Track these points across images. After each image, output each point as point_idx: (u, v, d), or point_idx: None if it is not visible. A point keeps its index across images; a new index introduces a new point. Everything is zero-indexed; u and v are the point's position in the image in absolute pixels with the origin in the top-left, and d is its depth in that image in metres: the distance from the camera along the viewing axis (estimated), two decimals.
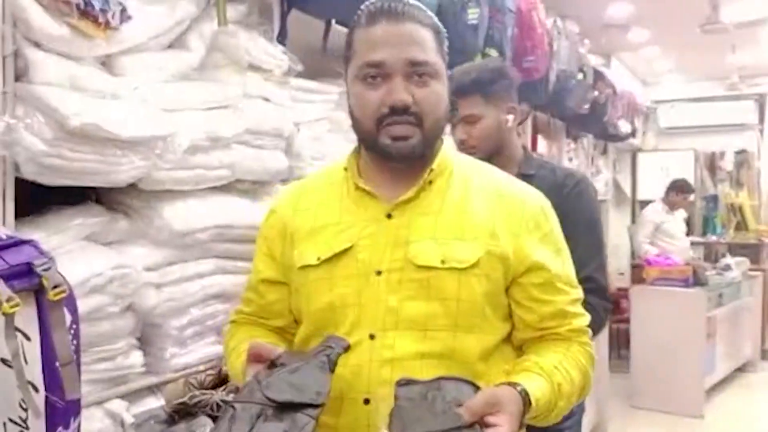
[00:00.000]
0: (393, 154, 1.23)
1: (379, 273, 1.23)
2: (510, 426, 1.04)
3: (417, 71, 1.20)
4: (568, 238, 1.95)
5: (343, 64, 1.30)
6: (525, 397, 1.11)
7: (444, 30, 1.28)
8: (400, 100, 1.19)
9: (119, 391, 1.90)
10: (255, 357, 1.16)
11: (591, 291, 1.68)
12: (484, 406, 1.05)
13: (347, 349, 1.14)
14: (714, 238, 7.96)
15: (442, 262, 1.20)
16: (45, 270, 1.29)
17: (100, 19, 1.65)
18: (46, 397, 1.31)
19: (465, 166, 1.34)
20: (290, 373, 1.08)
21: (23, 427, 1.27)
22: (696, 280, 5.49)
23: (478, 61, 3.00)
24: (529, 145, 5.05)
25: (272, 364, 1.12)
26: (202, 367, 2.07)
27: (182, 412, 1.88)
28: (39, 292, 1.30)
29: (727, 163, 8.75)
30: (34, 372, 1.29)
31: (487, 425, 1.03)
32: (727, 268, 6.28)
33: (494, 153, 2.05)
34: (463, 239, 1.22)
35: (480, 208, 1.25)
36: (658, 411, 5.17)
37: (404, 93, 1.19)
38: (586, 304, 1.56)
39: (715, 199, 8.47)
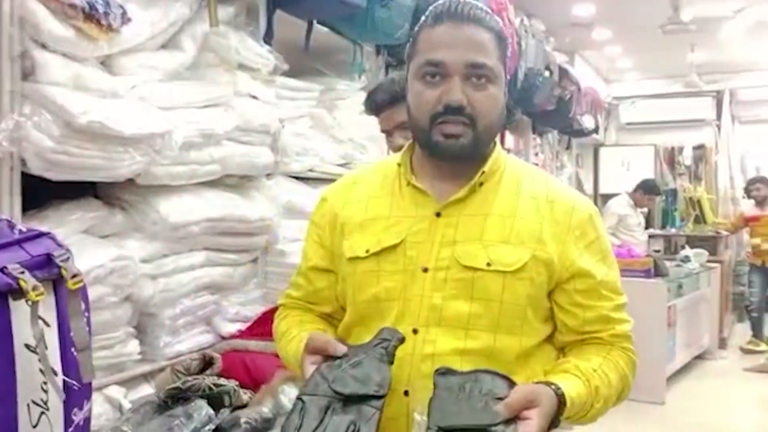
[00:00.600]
0: (443, 151, 1.24)
1: (425, 270, 1.24)
2: (540, 421, 1.06)
3: (475, 73, 1.21)
4: None
5: (406, 60, 1.32)
6: (560, 396, 1.13)
7: (507, 37, 1.28)
8: (455, 99, 1.20)
9: (117, 377, 1.99)
10: (315, 350, 1.20)
11: None
12: (522, 403, 1.07)
13: (402, 341, 1.17)
14: (673, 230, 8.20)
15: (488, 264, 1.22)
16: (64, 261, 1.37)
17: (103, 22, 1.73)
18: (64, 380, 1.39)
19: (517, 170, 1.33)
20: (353, 366, 1.13)
21: (44, 408, 1.34)
22: (657, 271, 5.68)
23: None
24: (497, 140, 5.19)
25: (330, 357, 1.17)
26: (194, 355, 2.16)
27: (176, 397, 1.96)
28: (57, 282, 1.38)
29: (686, 158, 9.03)
30: (54, 357, 1.37)
31: (519, 418, 1.06)
32: (687, 259, 6.51)
33: None
34: (510, 243, 1.23)
35: (528, 213, 1.26)
36: None
37: (460, 93, 1.20)
38: None
39: (674, 193, 8.74)
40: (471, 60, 1.20)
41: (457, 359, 1.19)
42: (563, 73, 5.68)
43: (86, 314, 1.48)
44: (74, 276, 1.38)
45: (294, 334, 1.32)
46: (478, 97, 1.21)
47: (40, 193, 1.88)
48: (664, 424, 4.98)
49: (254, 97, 2.39)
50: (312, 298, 1.43)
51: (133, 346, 2.02)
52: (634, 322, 4.48)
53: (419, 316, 1.22)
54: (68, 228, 1.87)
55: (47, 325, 1.36)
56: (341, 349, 1.19)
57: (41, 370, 1.32)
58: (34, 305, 1.28)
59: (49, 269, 1.36)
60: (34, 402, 1.32)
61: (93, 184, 2.01)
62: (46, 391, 1.34)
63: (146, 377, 2.13)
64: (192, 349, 2.21)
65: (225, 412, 1.90)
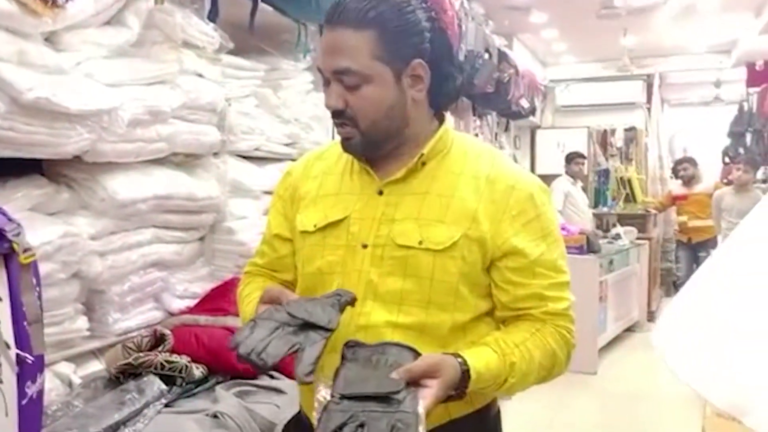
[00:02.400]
0: (345, 151, 1.33)
1: (365, 246, 1.29)
2: (438, 390, 1.11)
3: (344, 78, 1.24)
4: None
5: None
6: (465, 368, 1.17)
7: (406, 22, 1.24)
8: (329, 105, 1.27)
9: (66, 354, 1.99)
10: (269, 299, 1.26)
11: None
12: (423, 370, 1.12)
13: (354, 300, 1.23)
14: (605, 209, 8.47)
15: (420, 242, 1.26)
16: (15, 235, 1.38)
17: None
18: (17, 354, 1.40)
19: (465, 149, 1.35)
20: (306, 301, 1.21)
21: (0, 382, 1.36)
22: (589, 247, 5.88)
23: None
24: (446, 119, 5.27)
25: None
26: (142, 333, 2.18)
27: (127, 372, 1.98)
28: (8, 257, 1.39)
29: (618, 140, 9.31)
30: (6, 331, 1.38)
31: (420, 386, 1.11)
32: (617, 236, 6.76)
33: None
34: (444, 222, 1.26)
35: (467, 193, 1.28)
36: None
37: (334, 99, 1.25)
38: None
39: (606, 173, 9.00)
40: (334, 66, 1.24)
41: (389, 332, 1.25)
42: (502, 56, 5.80)
43: (37, 289, 1.50)
44: (26, 250, 1.39)
45: (255, 296, 1.36)
46: (353, 100, 1.25)
47: None
48: (597, 393, 5.19)
49: (200, 75, 2.40)
50: (275, 265, 1.48)
51: (82, 322, 2.02)
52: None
53: (357, 290, 1.27)
54: (14, 205, 1.85)
55: None
56: (294, 298, 1.25)
57: None
58: None
59: (1, 244, 1.37)
60: None
61: (38, 161, 2.00)
62: None
63: (95, 354, 2.14)
64: (141, 325, 2.22)
65: (176, 389, 1.94)
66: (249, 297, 1.42)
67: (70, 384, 1.96)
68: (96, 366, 2.10)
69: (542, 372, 1.29)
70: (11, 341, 1.39)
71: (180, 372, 1.94)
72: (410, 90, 1.27)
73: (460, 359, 1.18)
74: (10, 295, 1.40)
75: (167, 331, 2.03)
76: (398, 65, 1.24)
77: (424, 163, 1.31)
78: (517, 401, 4.76)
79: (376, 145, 1.30)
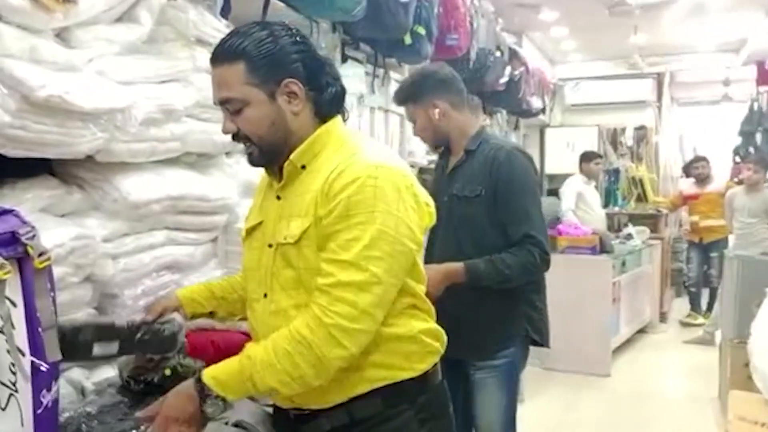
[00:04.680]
0: (249, 164, 1.55)
1: (270, 246, 1.51)
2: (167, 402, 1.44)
3: (228, 107, 1.47)
4: (504, 200, 2.30)
5: None
6: (197, 375, 1.43)
7: (269, 51, 1.44)
8: (224, 131, 1.50)
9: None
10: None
11: (532, 244, 2.31)
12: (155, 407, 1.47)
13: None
14: (616, 209, 8.40)
15: (285, 238, 1.47)
16: (29, 239, 1.33)
17: None
18: (32, 361, 1.35)
19: (336, 148, 1.50)
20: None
21: (13, 390, 1.31)
22: (602, 248, 5.82)
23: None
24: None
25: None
26: None
27: (139, 378, 1.92)
28: (22, 260, 1.34)
29: (628, 139, 9.23)
30: (21, 337, 1.33)
31: None
32: (630, 237, 6.69)
33: (442, 137, 2.55)
34: (300, 216, 1.45)
35: (315, 188, 1.45)
36: (569, 371, 5.45)
37: (227, 125, 1.48)
38: (529, 254, 2.30)
39: (616, 172, 8.93)
40: (219, 97, 1.47)
41: (293, 312, 1.45)
42: (513, 53, 5.74)
43: (51, 293, 1.44)
44: (41, 254, 1.34)
45: (191, 288, 1.86)
46: (240, 123, 1.47)
47: None
48: (610, 395, 5.14)
49: None
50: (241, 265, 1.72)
51: None
52: (581, 296, 4.64)
53: (266, 282, 1.51)
54: (24, 207, 1.78)
55: (13, 304, 1.32)
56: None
57: (9, 351, 1.28)
58: (1, 284, 1.24)
59: (15, 247, 1.33)
60: (2, 384, 1.29)
61: (48, 161, 1.95)
62: (14, 373, 1.31)
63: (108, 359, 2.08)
64: None
65: None
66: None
67: (82, 391, 1.91)
68: (109, 372, 2.04)
69: (293, 358, 1.37)
70: (26, 348, 1.34)
71: (193, 375, 1.88)
72: (287, 105, 1.47)
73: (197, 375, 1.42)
74: (25, 301, 1.35)
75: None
76: (270, 87, 1.45)
77: (304, 167, 1.50)
78: (529, 402, 4.74)
79: (273, 156, 1.50)
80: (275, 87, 1.45)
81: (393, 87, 3.75)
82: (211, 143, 2.34)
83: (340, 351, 1.37)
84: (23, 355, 1.33)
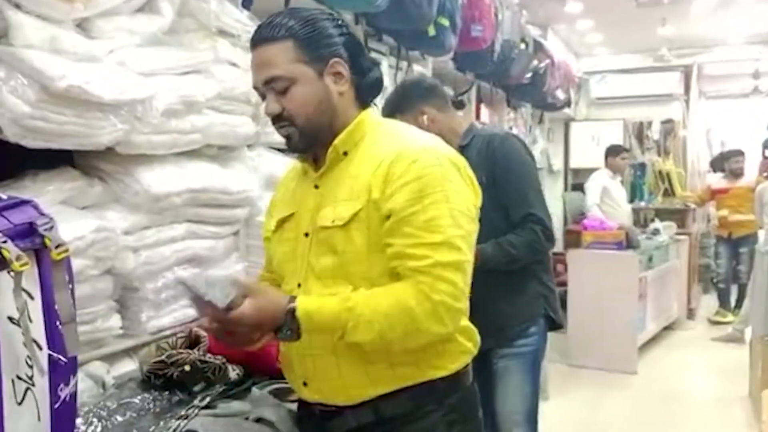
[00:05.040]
0: (287, 149, 1.53)
1: (306, 235, 1.48)
2: (252, 313, 1.31)
3: (273, 86, 1.42)
4: (503, 184, 2.32)
5: None
6: (292, 306, 1.34)
7: (315, 30, 1.43)
8: (268, 112, 1.45)
9: (99, 353, 1.93)
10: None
11: (534, 222, 2.35)
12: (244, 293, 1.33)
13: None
14: (643, 203, 8.28)
15: (332, 221, 1.42)
16: (47, 230, 1.31)
17: None
18: (49, 355, 1.33)
19: (381, 134, 1.50)
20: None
21: (29, 384, 1.28)
22: (628, 243, 5.73)
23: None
24: (473, 115, 5.17)
25: None
26: (175, 330, 2.11)
27: (159, 373, 1.90)
28: (39, 252, 1.32)
29: (654, 132, 9.09)
30: (38, 330, 1.31)
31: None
32: (656, 232, 6.57)
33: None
34: (350, 199, 1.42)
35: (368, 168, 1.42)
36: (594, 369, 5.39)
37: (271, 106, 1.43)
38: (532, 232, 2.34)
39: (642, 166, 8.80)
40: (264, 77, 1.43)
41: None
42: (538, 45, 5.65)
43: (70, 286, 1.42)
44: (58, 246, 1.31)
45: None
46: (286, 102, 1.43)
47: (14, 162, 1.80)
48: (636, 393, 5.07)
49: (234, 65, 2.32)
50: (269, 266, 1.68)
51: (115, 320, 1.96)
52: (607, 293, 4.60)
53: (301, 272, 1.48)
54: (45, 199, 1.79)
55: (31, 297, 1.30)
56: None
57: (25, 345, 1.26)
58: (18, 276, 1.22)
59: (32, 239, 1.30)
60: (18, 377, 1.27)
61: (69, 153, 1.94)
62: (31, 366, 1.28)
63: (129, 353, 2.07)
64: (175, 323, 2.15)
65: (215, 389, 1.86)
66: None
67: (103, 385, 1.89)
68: (130, 366, 2.03)
69: (392, 322, 1.34)
70: (43, 342, 1.32)
71: (214, 373, 1.86)
72: (334, 86, 1.45)
73: (291, 299, 1.35)
74: (42, 294, 1.32)
75: (203, 333, 1.94)
76: (317, 65, 1.43)
77: (346, 153, 1.47)
78: (554, 400, 4.69)
79: (313, 139, 1.46)
80: (322, 66, 1.43)
81: None
82: (232, 135, 2.32)
83: (439, 328, 1.36)
84: (40, 348, 1.30)
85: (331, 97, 1.45)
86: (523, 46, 5.08)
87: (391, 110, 2.51)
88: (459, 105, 4.82)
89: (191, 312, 2.24)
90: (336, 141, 1.46)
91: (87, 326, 1.88)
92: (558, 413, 4.34)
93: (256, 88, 1.47)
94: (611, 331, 5.47)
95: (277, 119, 1.45)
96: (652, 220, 7.21)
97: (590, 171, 6.92)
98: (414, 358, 1.44)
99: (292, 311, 1.33)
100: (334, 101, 1.46)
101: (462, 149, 2.46)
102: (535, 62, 5.57)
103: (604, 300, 5.48)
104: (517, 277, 2.43)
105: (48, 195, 1.80)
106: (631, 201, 8.00)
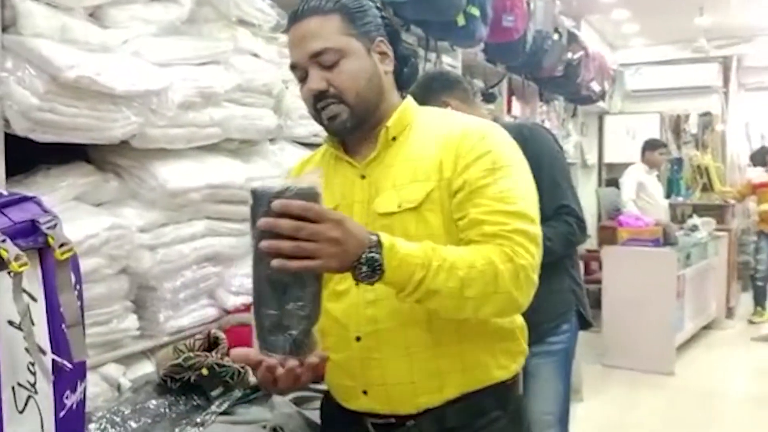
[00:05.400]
0: (332, 132, 1.40)
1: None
2: (339, 216, 1.11)
3: (320, 60, 1.32)
4: (535, 175, 2.20)
5: None
6: (374, 235, 1.15)
7: (361, 6, 1.36)
8: (313, 88, 1.33)
9: (114, 355, 1.86)
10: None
11: (567, 214, 2.28)
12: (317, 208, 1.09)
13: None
14: (680, 199, 8.08)
15: (399, 206, 1.32)
16: (50, 228, 1.23)
17: None
18: (53, 360, 1.25)
19: (429, 118, 1.43)
20: None
21: (32, 392, 1.21)
22: (666, 240, 5.56)
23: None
24: (504, 108, 5.04)
25: None
26: (195, 331, 2.04)
27: (175, 377, 1.83)
28: (43, 252, 1.25)
29: (692, 126, 8.86)
30: (41, 334, 1.23)
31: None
32: (695, 228, 6.38)
33: None
34: (417, 181, 1.33)
35: (431, 151, 1.35)
36: (630, 369, 5.24)
37: (317, 82, 1.33)
38: (566, 224, 2.27)
39: (679, 161, 8.59)
40: (310, 50, 1.32)
41: (396, 300, 1.24)
42: (572, 36, 5.51)
43: (77, 287, 1.34)
44: (62, 245, 1.24)
45: None
46: (333, 77, 1.33)
47: (26, 157, 1.73)
48: (674, 394, 4.93)
49: (255, 55, 2.24)
50: None
51: (131, 321, 1.89)
52: (643, 291, 4.46)
53: None
54: (58, 195, 1.73)
55: (33, 299, 1.22)
56: None
57: (27, 350, 1.19)
58: (17, 277, 1.14)
59: (35, 237, 1.22)
60: (20, 384, 1.19)
61: (84, 149, 1.87)
62: (33, 373, 1.21)
63: (146, 354, 2.01)
64: (194, 323, 2.09)
65: (234, 395, 1.78)
66: None
67: (118, 388, 1.83)
68: (147, 368, 1.96)
69: (474, 274, 1.21)
70: (47, 346, 1.24)
71: (233, 377, 1.78)
72: (381, 65, 1.38)
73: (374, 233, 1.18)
74: (46, 295, 1.25)
75: (221, 334, 1.87)
76: (364, 41, 1.35)
77: (394, 138, 1.39)
78: (588, 401, 4.56)
79: (362, 119, 1.36)
80: (369, 43, 1.37)
81: None
82: (253, 129, 2.24)
83: (518, 294, 1.25)
84: (44, 353, 1.23)
85: (380, 74, 1.38)
86: (556, 36, 4.94)
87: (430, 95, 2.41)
88: (490, 98, 4.72)
89: (211, 312, 2.18)
90: (389, 124, 1.38)
91: (102, 327, 1.82)
92: (592, 415, 4.22)
93: (295, 66, 1.36)
94: (648, 331, 5.33)
95: (322, 97, 1.34)
96: (690, 216, 7.01)
97: (625, 166, 6.77)
98: (479, 359, 1.35)
99: (377, 238, 1.15)
100: (382, 79, 1.39)
101: None
102: (569, 54, 5.42)
103: (640, 298, 5.34)
104: (549, 272, 2.30)
105: (61, 191, 1.74)
106: (668, 196, 7.81)
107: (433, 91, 2.39)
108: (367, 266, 1.14)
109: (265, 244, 1.07)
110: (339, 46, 1.32)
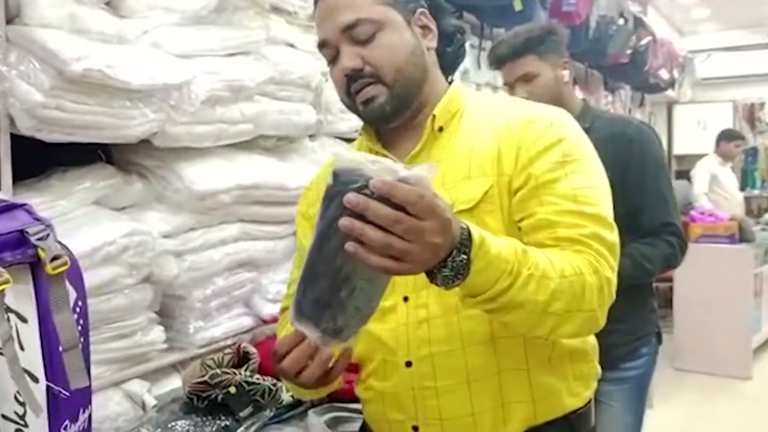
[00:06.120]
0: (368, 118, 1.23)
1: None
2: (434, 197, 0.86)
3: (354, 33, 1.16)
4: (636, 186, 1.92)
5: None
6: (466, 230, 0.93)
7: None
8: (347, 67, 1.17)
9: (139, 370, 1.74)
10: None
11: (671, 233, 2.03)
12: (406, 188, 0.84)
13: None
14: (755, 192, 7.68)
15: (451, 207, 1.02)
16: (40, 239, 1.09)
17: None
18: (48, 387, 1.12)
19: (481, 104, 1.26)
20: None
21: (20, 424, 1.08)
22: (742, 236, 5.25)
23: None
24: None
25: None
26: (229, 342, 1.90)
27: (202, 395, 1.69)
28: (35, 266, 1.11)
29: (767, 115, 8.43)
30: (33, 359, 1.10)
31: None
32: None
33: None
34: (471, 177, 1.17)
35: (487, 142, 1.18)
36: (703, 373, 4.99)
37: (350, 59, 1.16)
38: (668, 245, 2.01)
39: (754, 151, 8.18)
40: (342, 23, 1.16)
41: (454, 318, 1.14)
42: (638, 21, 5.22)
43: (80, 304, 1.21)
44: (55, 258, 1.10)
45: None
46: (369, 53, 1.17)
47: (42, 159, 1.62)
48: (751, 400, 4.65)
49: (291, 46, 2.09)
50: None
51: (157, 333, 1.76)
52: (718, 290, 4.08)
53: (407, 282, 1.15)
54: (76, 198, 1.61)
55: (23, 320, 1.09)
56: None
57: (14, 377, 1.05)
58: None
59: (24, 250, 1.09)
60: (5, 417, 1.06)
61: (105, 147, 1.74)
62: (22, 403, 1.07)
63: (176, 367, 1.88)
64: (228, 333, 1.95)
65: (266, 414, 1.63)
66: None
67: (143, 406, 1.70)
68: (177, 382, 1.83)
69: (564, 286, 1.01)
70: (40, 373, 1.11)
71: (263, 395, 1.63)
72: (422, 39, 1.22)
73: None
74: (39, 315, 1.11)
75: (252, 349, 1.72)
76: (403, 12, 1.20)
77: (441, 129, 1.22)
78: (658, 408, 4.30)
79: (404, 102, 1.20)
80: (409, 15, 1.20)
81: None
82: (290, 125, 2.09)
83: (598, 312, 1.07)
84: (36, 380, 1.09)
85: (422, 48, 1.21)
86: (621, 21, 4.67)
87: (526, 47, 2.06)
88: None
89: (246, 321, 2.04)
90: (435, 111, 1.21)
91: (126, 341, 1.69)
92: (662, 423, 3.96)
93: (324, 44, 1.20)
94: (723, 333, 5.07)
95: (357, 77, 1.17)
96: (766, 210, 6.62)
97: (696, 157, 6.50)
98: (554, 380, 1.18)
99: (467, 228, 0.94)
100: (425, 55, 1.21)
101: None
102: (635, 40, 5.12)
103: (714, 298, 5.07)
104: (631, 287, 2.05)
105: (79, 194, 1.62)
106: (743, 189, 7.42)
107: (554, 42, 2.09)
108: (451, 269, 0.92)
109: (347, 222, 0.83)
110: (375, 16, 1.16)
